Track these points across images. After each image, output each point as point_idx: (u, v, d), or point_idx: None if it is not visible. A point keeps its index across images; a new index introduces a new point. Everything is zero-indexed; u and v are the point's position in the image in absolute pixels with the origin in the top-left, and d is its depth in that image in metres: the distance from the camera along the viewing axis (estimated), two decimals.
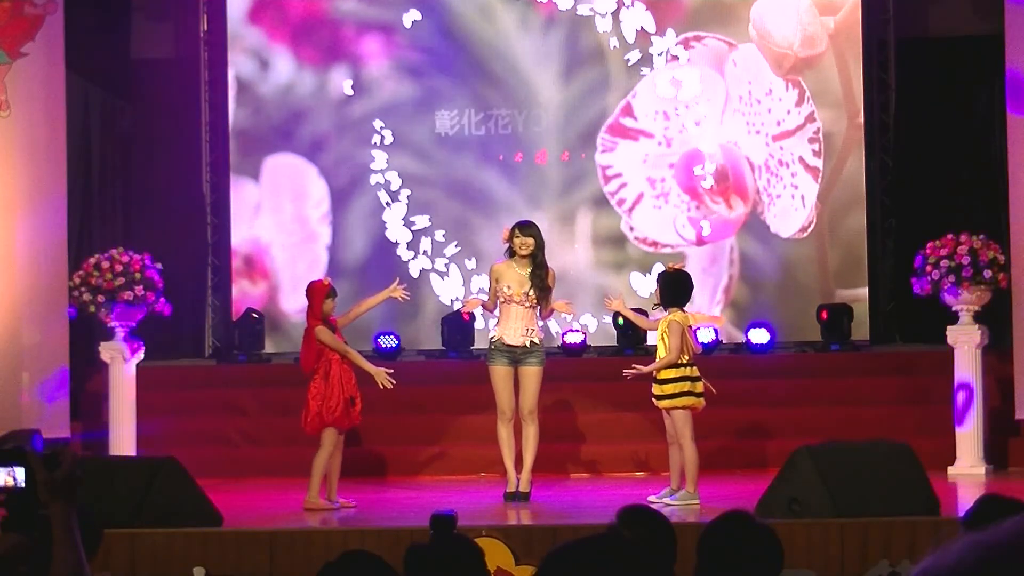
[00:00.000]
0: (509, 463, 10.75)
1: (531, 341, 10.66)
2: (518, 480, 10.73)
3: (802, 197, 14.47)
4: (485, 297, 11.22)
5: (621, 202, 14.64)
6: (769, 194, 14.51)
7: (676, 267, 10.87)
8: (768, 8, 14.54)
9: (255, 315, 14.40)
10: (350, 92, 14.74)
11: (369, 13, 14.83)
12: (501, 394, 10.70)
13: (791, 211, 14.49)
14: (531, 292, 10.63)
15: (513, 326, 10.66)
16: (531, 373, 10.67)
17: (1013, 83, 12.23)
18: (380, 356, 13.33)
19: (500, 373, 10.69)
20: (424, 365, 14.17)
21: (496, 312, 10.84)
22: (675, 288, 10.53)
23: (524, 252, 10.62)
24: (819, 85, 14.47)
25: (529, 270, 10.65)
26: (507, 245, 10.77)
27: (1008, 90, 12.27)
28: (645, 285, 14.20)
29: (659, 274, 11.04)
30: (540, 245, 10.69)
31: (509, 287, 10.66)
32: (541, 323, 10.87)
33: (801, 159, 14.48)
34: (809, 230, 14.46)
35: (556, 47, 14.69)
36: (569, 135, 14.68)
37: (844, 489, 9.11)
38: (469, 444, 12.54)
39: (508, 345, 10.66)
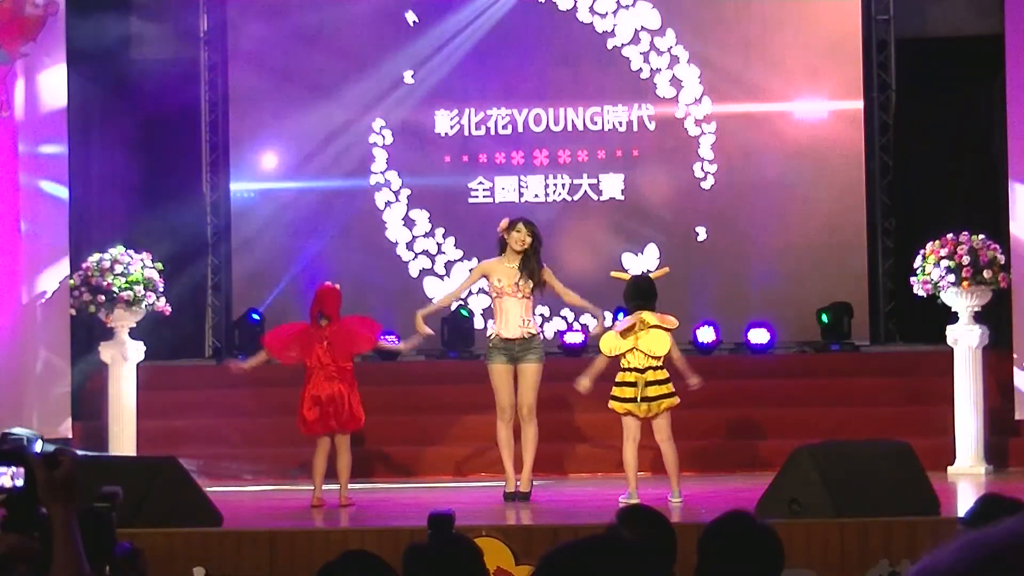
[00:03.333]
0: (508, 464, 10.76)
1: (528, 332, 10.70)
2: (517, 480, 10.75)
3: (789, 196, 14.47)
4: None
5: (615, 201, 14.65)
6: (758, 193, 14.51)
7: (642, 274, 10.94)
8: (760, 8, 14.55)
9: (256, 315, 14.40)
10: (350, 90, 14.75)
11: (369, 13, 14.83)
12: (501, 392, 10.72)
13: (780, 210, 14.49)
14: (522, 283, 10.70)
15: (508, 319, 10.71)
16: (530, 370, 10.69)
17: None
18: (380, 356, 13.33)
19: (499, 371, 10.71)
20: (424, 365, 14.18)
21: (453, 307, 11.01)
22: (627, 294, 10.60)
23: (518, 248, 10.70)
24: (810, 84, 14.46)
25: (520, 263, 10.70)
26: (500, 236, 10.81)
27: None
28: (637, 264, 14.27)
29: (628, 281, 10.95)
30: (536, 247, 10.75)
31: (500, 280, 10.73)
32: (539, 319, 10.95)
33: (788, 158, 14.48)
34: (799, 230, 14.45)
35: (556, 47, 14.70)
36: (569, 135, 14.68)
37: (844, 489, 9.11)
38: (469, 444, 12.54)
39: (505, 340, 10.69)
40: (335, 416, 10.61)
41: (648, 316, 10.40)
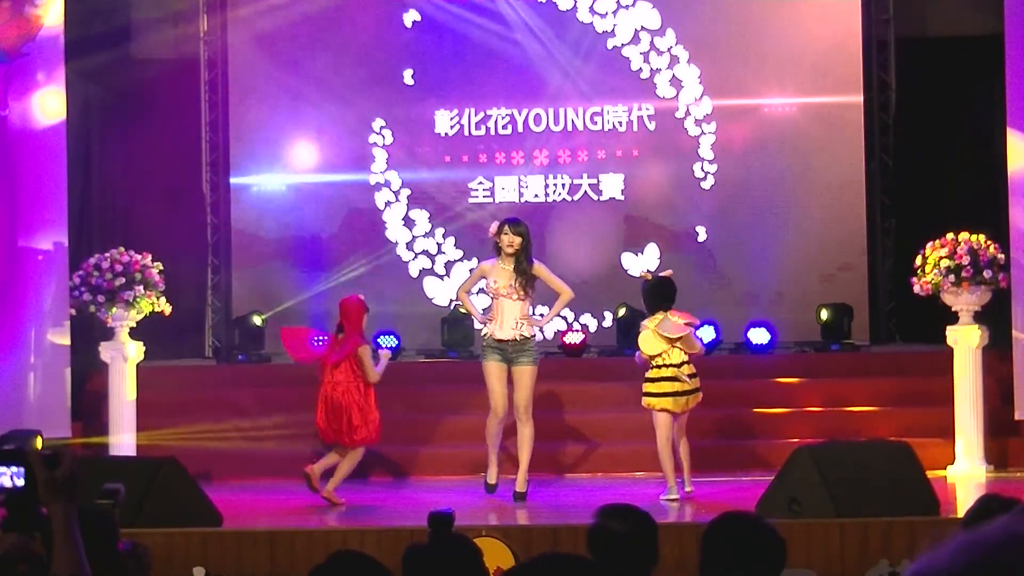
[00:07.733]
0: (492, 455, 10.85)
1: (521, 335, 10.71)
2: (511, 478, 10.79)
3: (789, 197, 14.47)
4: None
5: (615, 201, 14.65)
6: (758, 193, 14.51)
7: (662, 275, 10.96)
8: (760, 8, 14.55)
9: (256, 315, 14.39)
10: (350, 90, 14.75)
11: (369, 12, 14.83)
12: (494, 391, 10.74)
13: (780, 211, 14.49)
14: (517, 285, 10.71)
15: (503, 320, 10.73)
16: (524, 372, 10.72)
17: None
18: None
19: (493, 370, 10.74)
20: (424, 365, 14.17)
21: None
22: (652, 294, 10.69)
23: (510, 251, 10.74)
24: (810, 84, 14.46)
25: (514, 265, 10.72)
26: (494, 241, 10.85)
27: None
28: (636, 264, 14.28)
29: (642, 283, 11.05)
30: (526, 245, 10.77)
31: (496, 282, 10.76)
32: (538, 326, 10.99)
33: (788, 158, 14.48)
34: (799, 230, 14.45)
35: (556, 47, 14.70)
36: (569, 135, 14.68)
37: (844, 489, 9.12)
38: (468, 444, 12.52)
39: (499, 341, 10.72)
40: (340, 429, 10.72)
41: (673, 316, 10.55)
